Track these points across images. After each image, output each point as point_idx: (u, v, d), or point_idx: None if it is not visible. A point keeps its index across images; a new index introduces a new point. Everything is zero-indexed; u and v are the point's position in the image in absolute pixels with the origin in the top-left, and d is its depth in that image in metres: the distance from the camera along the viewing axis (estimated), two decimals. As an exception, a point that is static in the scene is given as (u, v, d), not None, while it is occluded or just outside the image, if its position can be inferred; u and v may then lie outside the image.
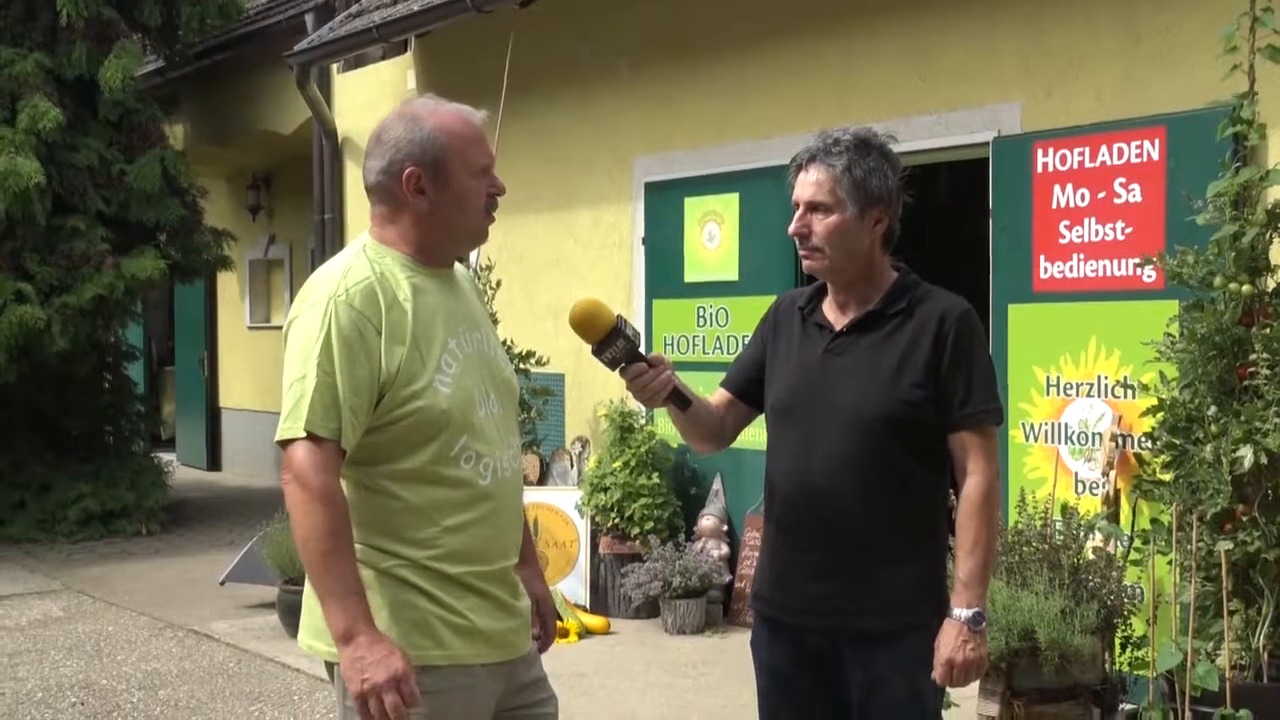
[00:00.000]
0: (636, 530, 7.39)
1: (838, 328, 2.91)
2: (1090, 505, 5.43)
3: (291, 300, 2.70)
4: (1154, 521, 4.83)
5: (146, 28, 11.14)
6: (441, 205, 2.57)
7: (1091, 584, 4.75)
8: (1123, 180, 5.59)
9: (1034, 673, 4.57)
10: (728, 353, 7.45)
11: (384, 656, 2.34)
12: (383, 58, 10.20)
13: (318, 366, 2.41)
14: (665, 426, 7.50)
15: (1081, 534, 4.94)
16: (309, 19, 10.77)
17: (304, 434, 2.40)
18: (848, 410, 2.81)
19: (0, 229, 9.84)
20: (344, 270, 2.52)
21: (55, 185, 10.14)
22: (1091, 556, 4.90)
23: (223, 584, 8.10)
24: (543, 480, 8.25)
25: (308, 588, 2.60)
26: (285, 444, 2.43)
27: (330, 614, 2.38)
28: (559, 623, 6.88)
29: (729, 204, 7.57)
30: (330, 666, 2.57)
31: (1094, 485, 5.58)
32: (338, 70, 10.80)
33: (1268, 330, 4.50)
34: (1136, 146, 5.54)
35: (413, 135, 2.54)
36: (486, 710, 2.60)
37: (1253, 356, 4.49)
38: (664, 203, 7.99)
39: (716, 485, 7.61)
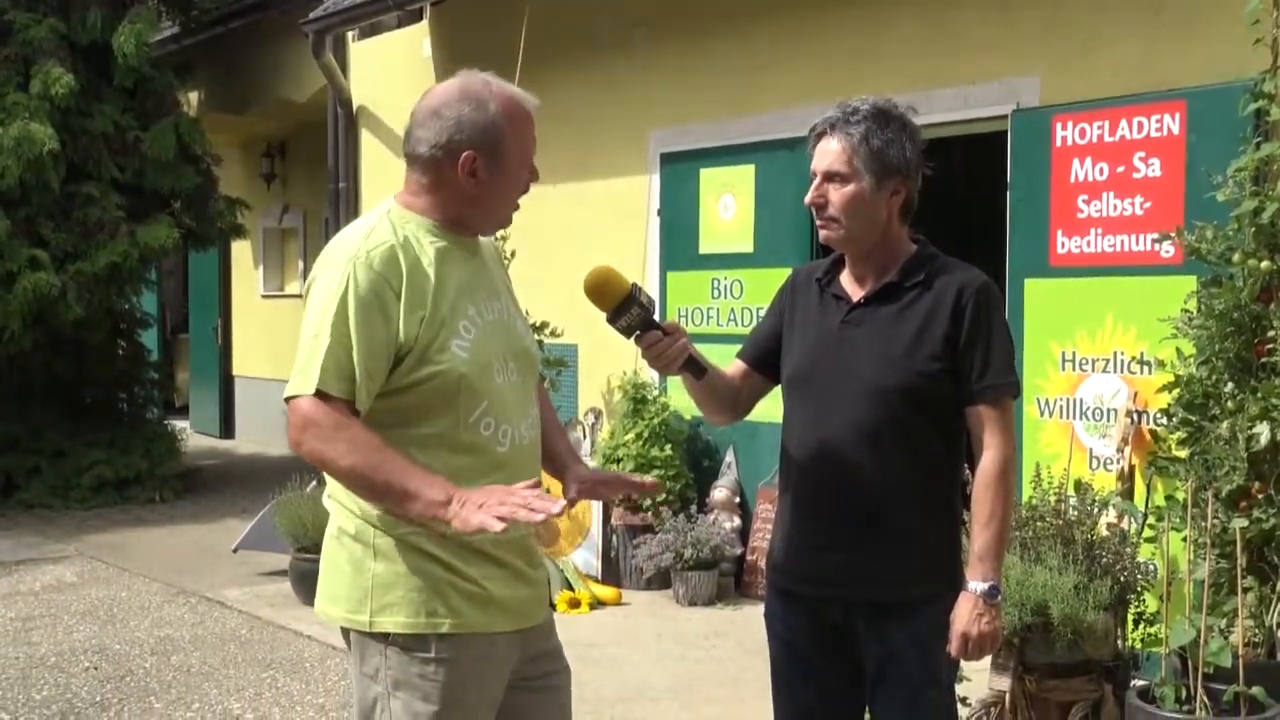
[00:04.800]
0: (649, 502, 7.39)
1: (855, 299, 2.89)
2: (1105, 481, 5.42)
3: (306, 269, 2.66)
4: (1169, 498, 4.81)
5: (161, -8, 11.15)
6: (489, 190, 2.55)
7: (1105, 560, 4.73)
8: (1142, 155, 5.55)
9: (1046, 648, 4.56)
10: (742, 325, 7.43)
11: (460, 508, 2.27)
12: (398, 26, 10.17)
13: (333, 327, 2.39)
14: (678, 398, 7.49)
15: (1096, 510, 4.92)
16: (324, -14, 10.74)
17: (313, 391, 2.37)
18: (864, 382, 2.80)
19: (14, 195, 9.84)
20: (366, 233, 2.50)
21: (69, 152, 10.15)
22: (1105, 533, 4.89)
23: (235, 551, 8.13)
24: (556, 451, 8.22)
25: (324, 553, 2.59)
26: (292, 401, 2.40)
27: (421, 510, 2.33)
28: (570, 593, 6.97)
29: (744, 176, 7.54)
30: (346, 632, 2.56)
31: (1109, 461, 5.57)
32: (353, 39, 10.77)
33: (1287, 307, 4.48)
34: (1156, 121, 5.49)
35: (476, 118, 2.50)
36: (501, 679, 2.59)
37: (1271, 334, 4.46)
38: (679, 174, 7.96)
39: (729, 457, 7.60)
